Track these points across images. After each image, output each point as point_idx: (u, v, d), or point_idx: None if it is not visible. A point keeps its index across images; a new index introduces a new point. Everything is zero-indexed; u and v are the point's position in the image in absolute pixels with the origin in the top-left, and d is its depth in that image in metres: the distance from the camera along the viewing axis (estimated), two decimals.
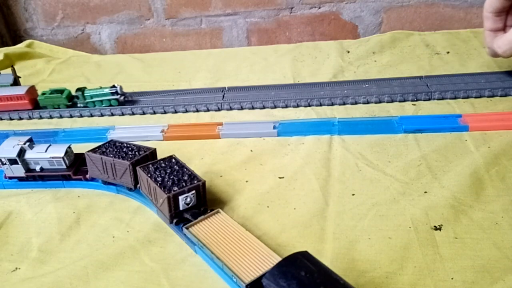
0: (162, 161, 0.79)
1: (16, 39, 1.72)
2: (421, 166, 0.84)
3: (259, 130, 1.00)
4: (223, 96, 1.15)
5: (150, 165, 0.78)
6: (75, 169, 0.88)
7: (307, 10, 1.51)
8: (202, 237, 0.69)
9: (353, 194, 0.79)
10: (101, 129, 1.08)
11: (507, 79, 1.06)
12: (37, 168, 0.88)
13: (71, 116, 1.18)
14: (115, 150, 0.83)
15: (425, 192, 0.77)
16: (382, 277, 0.63)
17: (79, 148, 0.92)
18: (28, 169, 0.89)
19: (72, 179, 0.88)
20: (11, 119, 1.20)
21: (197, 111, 1.13)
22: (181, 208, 0.73)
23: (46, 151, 0.88)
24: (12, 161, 0.87)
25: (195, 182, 0.73)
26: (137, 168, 0.78)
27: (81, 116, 1.17)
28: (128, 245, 0.74)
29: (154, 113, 1.14)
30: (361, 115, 1.03)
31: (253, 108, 1.11)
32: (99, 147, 0.85)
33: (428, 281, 0.62)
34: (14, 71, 1.31)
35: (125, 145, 0.84)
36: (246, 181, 0.86)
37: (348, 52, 1.34)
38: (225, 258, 0.64)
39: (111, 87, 1.15)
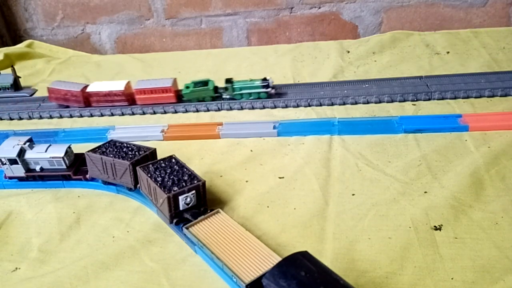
0: (162, 161, 0.79)
1: (16, 39, 1.72)
2: (421, 166, 0.84)
3: (259, 130, 1.00)
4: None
5: (150, 165, 0.78)
6: (75, 169, 0.88)
7: (307, 10, 1.51)
8: (202, 237, 0.69)
9: (353, 194, 0.79)
10: (101, 129, 1.08)
11: (507, 79, 1.06)
12: (37, 168, 0.88)
13: (71, 116, 1.18)
14: (115, 150, 0.83)
15: (425, 192, 0.77)
16: (382, 277, 0.63)
17: (79, 148, 0.92)
18: (28, 169, 0.89)
19: (72, 179, 0.88)
20: (11, 119, 1.20)
21: (197, 111, 1.13)
22: (181, 208, 0.73)
23: (46, 151, 0.88)
24: (12, 161, 0.87)
25: (195, 182, 0.73)
26: (137, 168, 0.78)
27: (81, 116, 1.17)
28: (128, 245, 0.74)
29: (154, 113, 1.14)
30: (361, 115, 1.03)
31: (253, 108, 1.11)
32: (99, 147, 0.85)
33: (428, 281, 0.62)
34: (14, 71, 1.31)
35: (125, 145, 0.84)
36: (246, 181, 0.86)
37: (348, 52, 1.34)
38: (225, 258, 0.64)
39: (263, 79, 1.10)
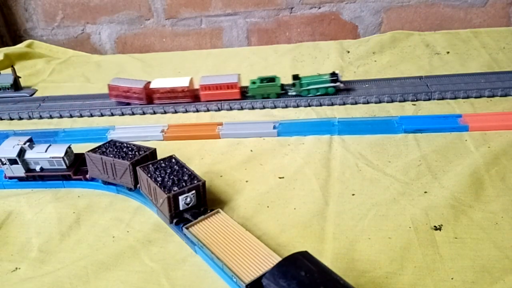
0: (162, 161, 0.79)
1: (16, 39, 1.72)
2: (421, 166, 0.84)
3: (259, 130, 1.00)
4: None
5: (150, 165, 0.78)
6: (75, 169, 0.88)
7: (307, 10, 1.51)
8: (202, 237, 0.69)
9: (353, 194, 0.79)
10: (101, 129, 1.08)
11: (507, 79, 1.06)
12: (37, 168, 0.88)
13: (71, 116, 1.18)
14: (115, 150, 0.83)
15: (425, 192, 0.77)
16: (382, 277, 0.63)
17: (79, 148, 0.92)
18: (28, 169, 0.89)
19: (72, 179, 0.88)
20: (11, 119, 1.20)
21: (197, 111, 1.13)
22: (181, 208, 0.73)
23: (46, 151, 0.88)
24: (12, 161, 0.87)
25: (195, 182, 0.73)
26: (137, 168, 0.78)
27: (81, 116, 1.17)
28: (128, 245, 0.74)
29: (154, 113, 1.14)
30: (361, 115, 1.03)
31: (253, 108, 1.11)
32: (99, 147, 0.85)
33: (428, 281, 0.62)
34: (14, 71, 1.31)
35: (125, 145, 0.84)
36: (246, 181, 0.86)
37: (348, 52, 1.34)
38: (225, 258, 0.64)
39: (331, 74, 1.07)
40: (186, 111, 1.13)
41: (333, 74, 1.08)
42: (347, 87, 1.10)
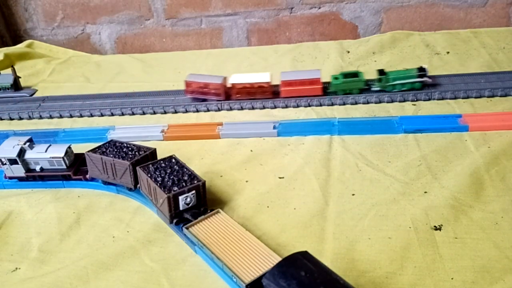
0: (162, 161, 0.79)
1: (16, 39, 1.72)
2: (421, 166, 0.84)
3: (259, 130, 1.00)
4: None
5: (150, 165, 0.78)
6: (75, 169, 0.88)
7: (307, 10, 1.51)
8: (202, 237, 0.69)
9: (353, 194, 0.79)
10: (101, 129, 1.08)
11: (507, 79, 1.06)
12: (37, 168, 0.88)
13: (71, 116, 1.18)
14: (115, 150, 0.83)
15: (425, 192, 0.77)
16: (382, 277, 0.63)
17: (79, 148, 0.92)
18: (28, 169, 0.89)
19: (72, 179, 0.88)
20: (11, 119, 1.20)
21: (197, 111, 1.13)
22: (181, 208, 0.73)
23: (46, 151, 0.88)
24: (12, 161, 0.87)
25: (195, 182, 0.73)
26: (137, 168, 0.78)
27: (81, 116, 1.17)
28: (128, 245, 0.74)
29: (154, 113, 1.14)
30: (361, 115, 1.03)
31: (253, 108, 1.11)
32: (99, 147, 0.85)
33: (428, 281, 0.62)
34: (14, 71, 1.31)
35: (125, 145, 0.84)
36: (246, 181, 0.86)
37: (348, 52, 1.34)
38: (225, 258, 0.64)
39: (419, 68, 1.04)
40: (186, 111, 1.13)
41: (421, 69, 1.04)
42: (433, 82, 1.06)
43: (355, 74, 1.08)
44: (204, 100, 1.13)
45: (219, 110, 1.12)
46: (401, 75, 1.05)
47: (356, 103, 1.07)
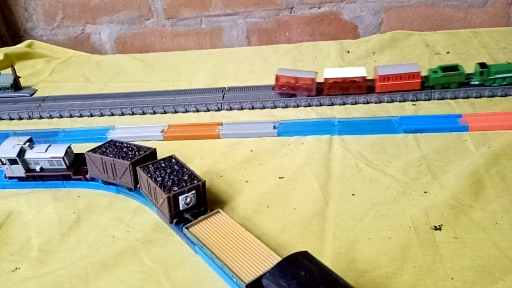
0: (162, 161, 0.79)
1: (16, 39, 1.72)
2: (421, 166, 0.84)
3: (259, 130, 1.00)
4: (223, 96, 1.15)
5: (150, 165, 0.78)
6: (75, 169, 0.88)
7: (307, 10, 1.51)
8: (202, 237, 0.69)
9: (353, 194, 0.79)
10: (101, 129, 1.08)
11: None
12: (37, 168, 0.88)
13: (71, 116, 1.18)
14: (115, 150, 0.83)
15: (425, 192, 0.77)
16: (382, 277, 0.63)
17: (79, 148, 0.92)
18: (28, 169, 0.89)
19: (72, 179, 0.88)
20: (11, 119, 1.20)
21: (197, 111, 1.13)
22: (181, 208, 0.73)
23: (46, 151, 0.88)
24: (12, 161, 0.87)
25: (195, 182, 0.73)
26: (137, 168, 0.78)
27: (81, 116, 1.17)
28: (128, 245, 0.74)
29: (154, 113, 1.14)
30: (361, 115, 1.03)
31: (253, 108, 1.11)
32: (99, 147, 0.85)
33: (428, 281, 0.62)
34: (14, 71, 1.31)
35: (125, 145, 0.84)
36: (246, 181, 0.86)
37: (348, 52, 1.34)
38: (225, 258, 0.64)
39: None
40: (186, 111, 1.13)
41: None
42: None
43: (454, 68, 1.04)
44: (293, 95, 1.10)
45: (219, 110, 1.12)
46: (503, 69, 1.03)
47: (356, 103, 1.06)
